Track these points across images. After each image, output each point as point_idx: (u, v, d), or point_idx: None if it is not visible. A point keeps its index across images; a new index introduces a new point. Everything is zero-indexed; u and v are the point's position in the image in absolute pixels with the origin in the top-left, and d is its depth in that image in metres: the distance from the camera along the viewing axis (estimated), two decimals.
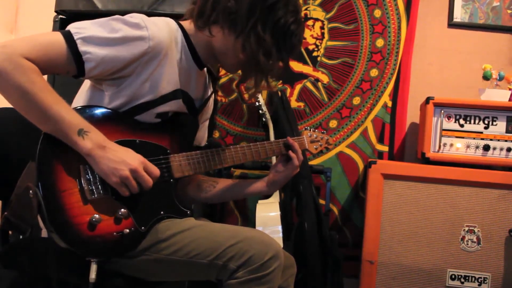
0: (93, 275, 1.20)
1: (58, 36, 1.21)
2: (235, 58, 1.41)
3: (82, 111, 1.26)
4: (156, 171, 1.27)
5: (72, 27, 1.23)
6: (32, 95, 1.14)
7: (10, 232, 1.37)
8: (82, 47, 1.21)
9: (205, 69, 1.53)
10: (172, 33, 1.35)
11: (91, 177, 1.22)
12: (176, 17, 1.45)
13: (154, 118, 1.37)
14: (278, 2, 1.34)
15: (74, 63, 1.22)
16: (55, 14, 2.39)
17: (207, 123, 1.68)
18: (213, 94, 1.66)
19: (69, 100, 1.44)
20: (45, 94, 1.16)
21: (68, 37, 1.21)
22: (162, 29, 1.31)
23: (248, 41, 1.34)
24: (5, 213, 1.27)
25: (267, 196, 2.52)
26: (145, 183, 1.24)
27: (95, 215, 1.19)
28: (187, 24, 1.44)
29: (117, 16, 1.27)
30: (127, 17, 1.28)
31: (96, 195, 1.22)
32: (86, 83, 1.40)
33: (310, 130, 1.69)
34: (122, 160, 1.21)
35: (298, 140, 1.63)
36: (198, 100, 1.54)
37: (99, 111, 1.30)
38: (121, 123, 1.31)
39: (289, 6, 1.37)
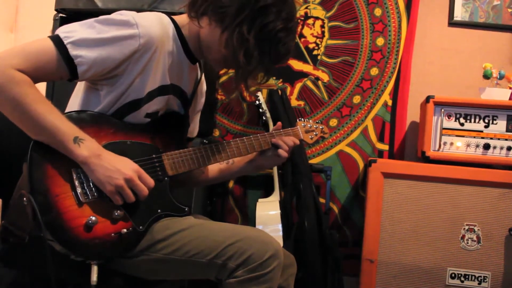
0: (94, 277, 1.20)
1: (48, 43, 1.20)
2: (218, 53, 1.38)
3: (72, 116, 1.27)
4: (150, 181, 1.27)
5: (61, 32, 1.23)
6: (26, 107, 1.15)
7: None
8: (73, 51, 1.21)
9: (197, 64, 1.54)
10: (163, 28, 1.35)
11: (84, 180, 1.22)
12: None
13: (144, 117, 1.37)
14: (270, 6, 1.31)
15: (67, 67, 1.22)
16: (55, 12, 2.39)
17: (199, 115, 1.68)
18: (203, 86, 1.67)
19: (67, 101, 1.44)
20: (38, 104, 1.16)
21: (58, 43, 1.21)
22: (153, 25, 1.30)
23: (231, 38, 1.31)
24: (3, 221, 1.27)
25: (267, 194, 2.52)
26: (140, 192, 1.24)
27: (91, 217, 1.19)
28: (182, 18, 1.43)
29: (106, 16, 1.27)
30: (117, 15, 1.27)
31: (90, 197, 1.22)
32: (81, 83, 1.39)
33: (304, 121, 1.68)
34: (117, 169, 1.21)
35: (292, 130, 1.63)
36: (190, 94, 1.54)
37: (89, 114, 1.30)
38: (111, 126, 1.31)
39: (282, 13, 1.33)
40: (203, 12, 1.36)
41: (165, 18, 1.38)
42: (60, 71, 1.22)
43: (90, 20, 1.26)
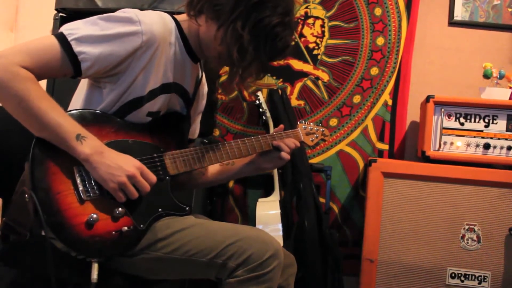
0: (94, 275, 1.19)
1: (52, 40, 1.21)
2: (215, 51, 1.37)
3: (74, 114, 1.27)
4: (152, 176, 1.27)
5: (65, 29, 1.24)
6: (29, 103, 1.15)
7: None
8: (77, 48, 1.21)
9: (198, 63, 1.54)
10: (166, 26, 1.35)
11: (85, 177, 1.22)
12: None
13: (146, 116, 1.37)
14: (265, 1, 1.31)
15: (71, 64, 1.22)
16: (56, 12, 2.39)
17: (200, 116, 1.68)
18: (205, 88, 1.67)
19: (70, 98, 1.44)
20: (42, 101, 1.17)
21: (62, 39, 1.21)
22: (155, 23, 1.31)
23: (226, 34, 1.31)
24: (4, 218, 1.27)
25: (267, 194, 2.52)
26: (142, 189, 1.25)
27: (92, 214, 1.19)
28: (183, 17, 1.43)
29: (109, 13, 1.27)
30: (120, 12, 1.28)
31: (91, 195, 1.22)
32: (84, 81, 1.40)
33: (305, 123, 1.69)
34: (119, 166, 1.21)
35: (293, 132, 1.63)
36: (192, 93, 1.54)
37: (91, 113, 1.30)
38: (113, 124, 1.32)
39: (278, 8, 1.32)
40: (200, 10, 1.36)
41: (167, 16, 1.39)
42: (64, 67, 1.23)
43: (93, 18, 1.26)
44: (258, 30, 1.32)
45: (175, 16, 1.43)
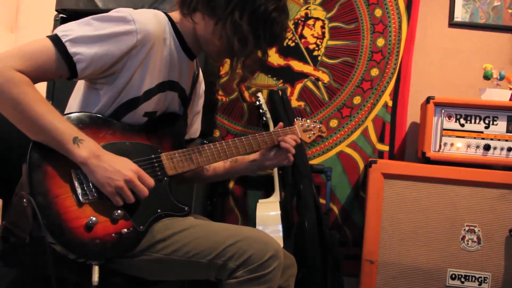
0: (95, 277, 1.19)
1: (47, 42, 1.21)
2: (215, 45, 1.39)
3: (71, 117, 1.27)
4: (150, 181, 1.27)
5: (59, 30, 1.23)
6: (25, 106, 1.14)
7: None
8: (71, 49, 1.21)
9: (194, 61, 1.54)
10: (160, 25, 1.35)
11: (83, 180, 1.22)
12: None
13: (142, 116, 1.37)
14: None
15: (66, 65, 1.22)
16: (56, 13, 2.39)
17: (200, 116, 1.69)
18: (202, 86, 1.68)
19: (67, 101, 1.44)
20: (38, 104, 1.16)
21: (57, 41, 1.21)
22: (150, 21, 1.30)
23: (224, 28, 1.33)
24: (3, 221, 1.27)
25: (267, 195, 2.52)
26: (140, 193, 1.24)
27: (91, 217, 1.19)
28: (176, 15, 1.43)
29: (103, 13, 1.27)
30: (114, 12, 1.28)
31: (90, 198, 1.22)
32: (80, 83, 1.40)
33: (302, 120, 1.69)
34: (117, 170, 1.21)
35: (290, 129, 1.63)
36: (188, 91, 1.55)
37: (87, 116, 1.30)
38: (110, 126, 1.32)
39: None
40: (194, 7, 1.37)
41: (161, 14, 1.38)
42: (60, 69, 1.22)
43: (87, 18, 1.26)
44: (255, 18, 1.34)
45: (169, 13, 1.43)
